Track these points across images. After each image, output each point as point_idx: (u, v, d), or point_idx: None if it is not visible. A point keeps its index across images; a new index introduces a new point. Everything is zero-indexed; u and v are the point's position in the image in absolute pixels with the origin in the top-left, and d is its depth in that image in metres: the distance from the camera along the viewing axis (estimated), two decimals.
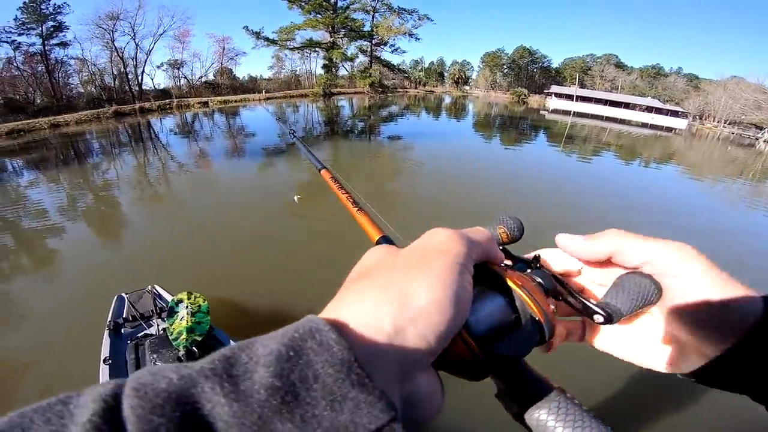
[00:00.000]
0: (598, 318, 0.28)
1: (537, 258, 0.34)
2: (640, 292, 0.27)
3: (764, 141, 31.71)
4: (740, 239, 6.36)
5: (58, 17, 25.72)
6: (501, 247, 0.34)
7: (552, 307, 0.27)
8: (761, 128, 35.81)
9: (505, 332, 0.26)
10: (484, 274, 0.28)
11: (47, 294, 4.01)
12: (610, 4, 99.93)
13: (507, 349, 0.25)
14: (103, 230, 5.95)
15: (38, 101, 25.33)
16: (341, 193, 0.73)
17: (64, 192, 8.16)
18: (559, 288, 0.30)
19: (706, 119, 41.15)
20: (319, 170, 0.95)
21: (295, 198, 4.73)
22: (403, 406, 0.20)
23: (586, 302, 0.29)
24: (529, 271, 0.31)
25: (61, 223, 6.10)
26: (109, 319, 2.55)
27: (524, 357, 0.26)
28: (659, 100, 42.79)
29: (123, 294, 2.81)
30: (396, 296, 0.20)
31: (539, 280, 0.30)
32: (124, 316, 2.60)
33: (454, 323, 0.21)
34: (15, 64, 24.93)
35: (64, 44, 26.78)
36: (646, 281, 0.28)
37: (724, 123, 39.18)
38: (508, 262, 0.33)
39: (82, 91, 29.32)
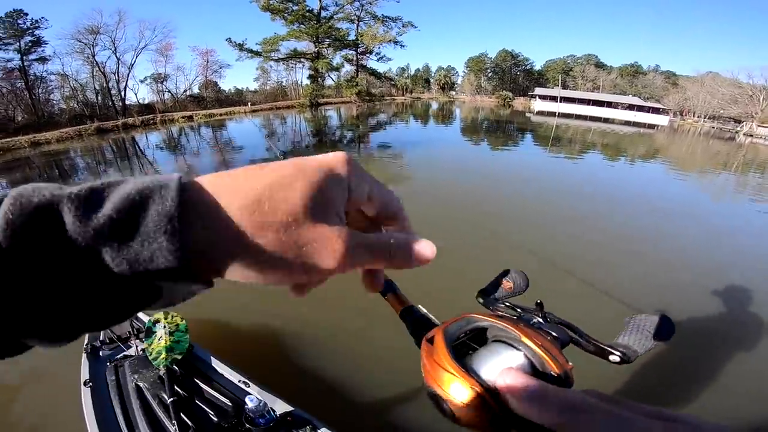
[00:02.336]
0: (614, 358, 0.29)
1: (540, 305, 0.35)
2: (653, 331, 0.28)
3: (744, 134, 32.62)
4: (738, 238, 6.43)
5: (36, 32, 25.37)
6: (505, 302, 0.38)
7: (570, 364, 0.27)
8: (739, 121, 36.86)
9: None
10: (501, 332, 0.28)
11: None
12: (588, 4, 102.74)
13: None
14: None
15: (19, 118, 24.77)
16: None
17: None
18: (571, 335, 0.31)
19: (686, 115, 42.25)
20: None
21: None
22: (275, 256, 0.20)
23: (600, 344, 0.29)
24: (537, 321, 0.33)
25: None
26: (85, 342, 2.45)
27: None
28: (640, 97, 43.82)
29: None
30: (242, 182, 0.21)
31: (554, 334, 0.30)
32: (101, 338, 2.51)
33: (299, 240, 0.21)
34: None
35: (43, 59, 26.41)
36: (656, 320, 0.29)
37: (704, 118, 40.26)
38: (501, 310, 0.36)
39: (65, 107, 28.86)
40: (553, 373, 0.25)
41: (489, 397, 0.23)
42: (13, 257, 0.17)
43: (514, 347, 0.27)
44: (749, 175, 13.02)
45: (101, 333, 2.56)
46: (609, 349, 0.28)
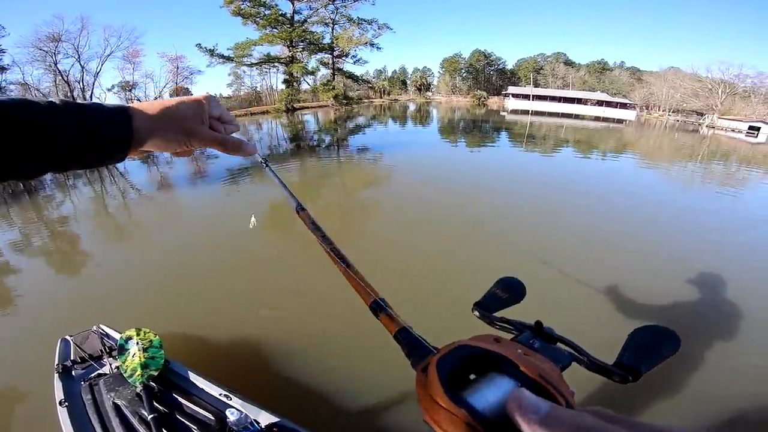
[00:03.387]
0: (617, 378, 0.28)
1: (539, 325, 0.34)
2: (657, 346, 0.27)
3: (706, 126, 34.39)
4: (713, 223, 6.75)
5: None
6: (502, 316, 0.38)
7: (572, 390, 0.26)
8: (702, 114, 38.81)
9: None
10: (495, 360, 0.27)
11: None
12: (556, 2, 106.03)
13: None
14: (41, 269, 5.46)
15: None
16: (321, 243, 0.62)
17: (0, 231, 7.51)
18: (573, 354, 0.30)
19: (652, 109, 44.14)
20: (296, 210, 0.81)
21: (252, 220, 4.36)
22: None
23: (602, 365, 0.28)
24: (535, 341, 0.31)
25: None
26: (56, 362, 2.38)
27: None
28: (607, 93, 45.53)
29: (67, 336, 2.63)
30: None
31: (554, 357, 0.28)
32: (72, 358, 2.42)
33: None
34: None
35: (1, 69, 25.07)
36: (660, 333, 0.28)
37: (669, 111, 42.17)
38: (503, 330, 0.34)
39: None
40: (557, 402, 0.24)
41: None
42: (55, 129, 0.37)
43: (513, 377, 0.26)
44: (714, 164, 13.76)
45: (71, 352, 2.49)
46: (612, 368, 0.28)
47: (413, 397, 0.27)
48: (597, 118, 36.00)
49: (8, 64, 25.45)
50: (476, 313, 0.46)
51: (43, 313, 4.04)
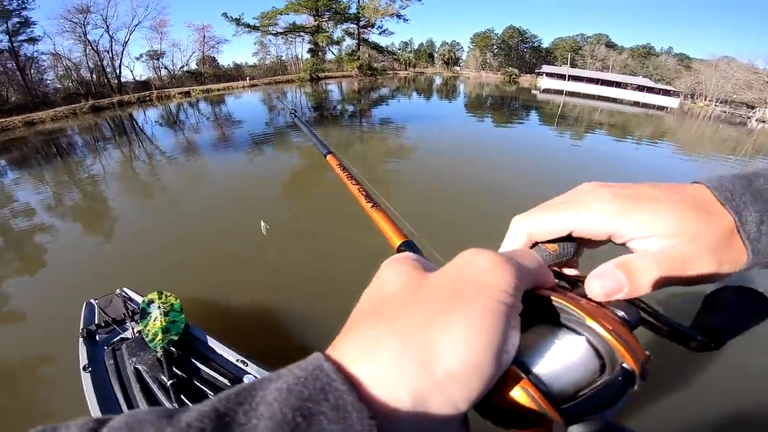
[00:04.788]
0: (696, 344, 0.22)
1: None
2: (744, 308, 0.22)
3: (756, 120, 31.90)
4: None
5: (23, 13, 24.43)
6: (551, 268, 0.28)
7: (647, 353, 0.21)
8: (752, 107, 35.99)
9: (587, 386, 0.21)
10: (543, 305, 0.23)
11: (13, 304, 3.77)
12: None
13: (586, 407, 0.20)
14: (70, 233, 5.59)
15: (12, 99, 24.23)
16: (351, 184, 0.61)
17: (32, 192, 7.77)
18: (641, 314, 0.24)
19: (697, 98, 41.25)
20: (325, 156, 0.83)
21: (263, 226, 4.21)
22: None
23: (678, 326, 0.23)
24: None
25: (24, 226, 5.79)
26: (81, 326, 2.43)
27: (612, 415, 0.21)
28: (650, 79, 42.69)
29: (92, 300, 2.69)
30: (419, 354, 0.17)
31: (621, 314, 0.23)
32: (96, 322, 2.47)
33: (492, 380, 0.18)
34: None
35: (33, 40, 25.50)
36: (745, 293, 0.23)
37: (716, 102, 39.31)
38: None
39: (60, 86, 28.12)
40: (628, 366, 0.20)
41: (541, 399, 0.19)
42: None
43: (575, 331, 0.22)
44: (758, 160, 12.76)
45: (96, 316, 2.54)
46: (690, 332, 0.22)
47: None
48: (636, 104, 33.93)
49: (39, 36, 25.82)
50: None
51: (71, 275, 4.14)
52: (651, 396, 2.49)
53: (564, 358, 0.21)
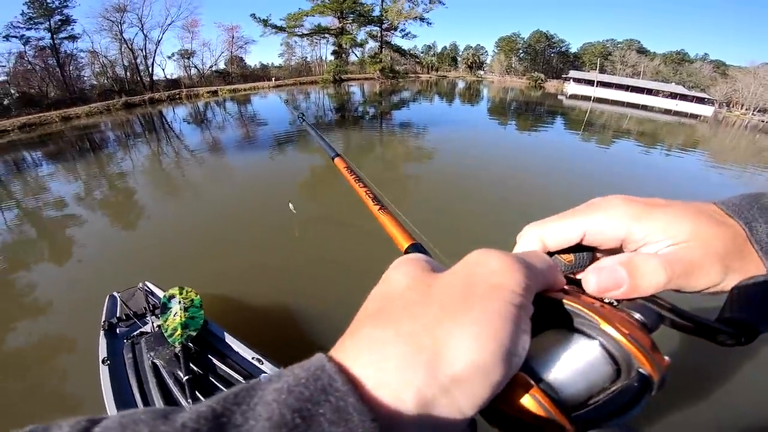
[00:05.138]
0: (724, 339, 0.21)
1: None
2: None
3: None
4: None
5: (65, 11, 25.80)
6: (566, 275, 0.27)
7: (667, 359, 0.20)
8: None
9: (600, 392, 0.20)
10: (555, 309, 0.22)
11: (40, 293, 3.90)
12: None
13: (599, 414, 0.19)
14: (97, 224, 5.77)
15: (51, 94, 25.56)
16: (358, 187, 0.63)
17: (66, 183, 8.12)
18: (662, 312, 0.22)
19: (734, 106, 39.30)
20: (332, 158, 0.84)
21: (291, 207, 4.41)
22: None
23: (704, 321, 0.22)
24: (612, 300, 0.24)
25: (56, 217, 6.03)
26: (103, 319, 2.49)
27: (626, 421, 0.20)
28: (683, 86, 40.97)
29: (115, 293, 2.76)
30: (425, 356, 0.16)
31: (638, 316, 0.21)
32: (117, 315, 2.53)
33: (500, 386, 0.18)
34: (26, 58, 25.14)
35: (73, 37, 26.95)
36: None
37: (753, 110, 37.34)
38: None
39: (95, 83, 29.52)
40: (645, 372, 0.19)
41: (551, 406, 0.18)
42: None
43: (588, 335, 0.21)
44: None
45: (118, 309, 2.60)
46: (718, 326, 0.21)
47: None
48: (667, 111, 32.62)
49: (79, 33, 27.18)
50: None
51: (96, 266, 4.26)
52: (673, 399, 2.36)
53: (576, 364, 0.20)
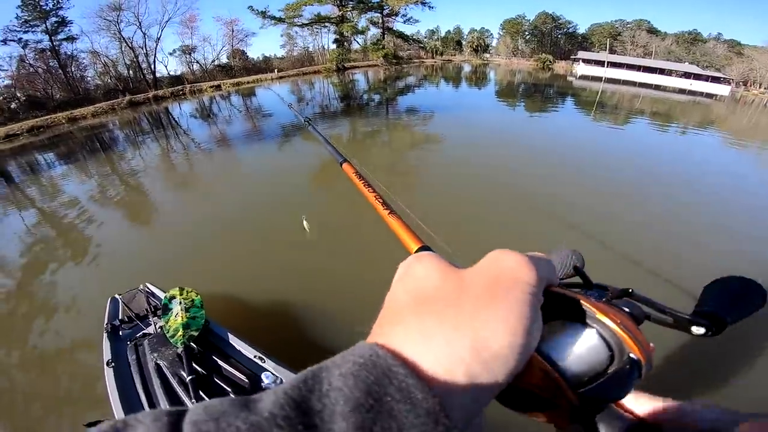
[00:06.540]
0: (698, 330, 0.25)
1: (627, 289, 0.30)
2: (745, 296, 0.24)
3: None
4: None
5: (60, 12, 25.81)
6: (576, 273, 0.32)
7: (652, 345, 0.23)
8: None
9: (597, 375, 0.23)
10: (563, 303, 0.25)
11: (45, 296, 3.89)
12: None
13: (598, 392, 0.22)
14: (95, 227, 5.64)
15: (57, 96, 25.72)
16: (368, 192, 0.63)
17: (80, 184, 8.12)
18: (646, 309, 0.27)
19: (751, 86, 37.93)
20: (340, 164, 0.83)
21: (305, 225, 4.04)
22: None
23: (680, 315, 0.25)
24: (606, 297, 0.28)
25: (57, 217, 6.03)
26: (105, 321, 2.48)
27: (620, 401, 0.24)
28: (698, 66, 39.56)
29: (116, 295, 2.75)
30: (469, 339, 0.19)
31: (627, 309, 0.26)
32: (120, 317, 2.52)
33: (525, 360, 0.21)
34: (27, 61, 25.28)
35: (71, 38, 27.08)
36: (743, 284, 0.25)
37: None
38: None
39: (100, 83, 29.70)
40: (634, 356, 0.22)
41: (561, 380, 0.21)
42: None
43: (587, 324, 0.24)
44: None
45: (119, 311, 2.59)
46: (692, 318, 0.24)
47: None
48: (681, 91, 31.59)
49: (77, 34, 27.24)
50: None
51: (99, 268, 4.23)
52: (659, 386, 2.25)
53: (578, 348, 0.23)
